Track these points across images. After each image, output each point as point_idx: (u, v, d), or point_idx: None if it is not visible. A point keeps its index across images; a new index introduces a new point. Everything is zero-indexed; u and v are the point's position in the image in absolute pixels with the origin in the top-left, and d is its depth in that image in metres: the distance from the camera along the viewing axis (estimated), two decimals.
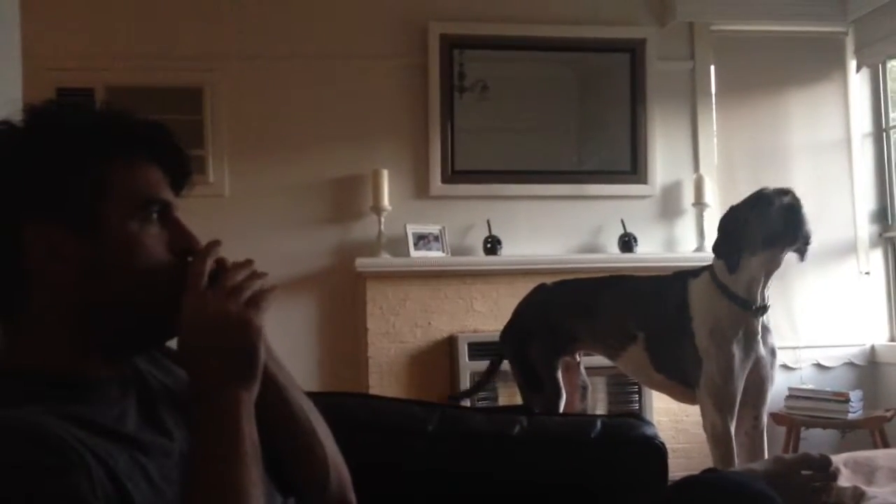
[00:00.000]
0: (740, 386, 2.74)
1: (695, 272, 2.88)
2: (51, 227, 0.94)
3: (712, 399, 2.73)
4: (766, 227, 2.70)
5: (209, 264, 0.96)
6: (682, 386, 2.89)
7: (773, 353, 2.84)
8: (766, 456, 2.82)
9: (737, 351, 2.72)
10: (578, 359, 3.24)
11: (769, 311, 2.84)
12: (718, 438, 2.75)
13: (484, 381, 3.43)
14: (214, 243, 0.99)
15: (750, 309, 2.74)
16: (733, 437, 2.76)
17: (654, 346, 2.91)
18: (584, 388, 3.24)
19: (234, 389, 0.94)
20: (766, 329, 2.81)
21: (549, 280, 3.33)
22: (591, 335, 3.07)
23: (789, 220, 2.69)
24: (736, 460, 2.80)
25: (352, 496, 1.14)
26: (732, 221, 2.79)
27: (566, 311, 3.10)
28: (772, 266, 2.75)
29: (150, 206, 0.98)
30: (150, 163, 0.99)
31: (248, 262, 0.99)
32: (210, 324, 0.94)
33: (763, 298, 2.76)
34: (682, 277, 2.91)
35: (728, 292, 2.74)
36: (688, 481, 1.30)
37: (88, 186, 0.95)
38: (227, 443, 0.92)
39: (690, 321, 2.79)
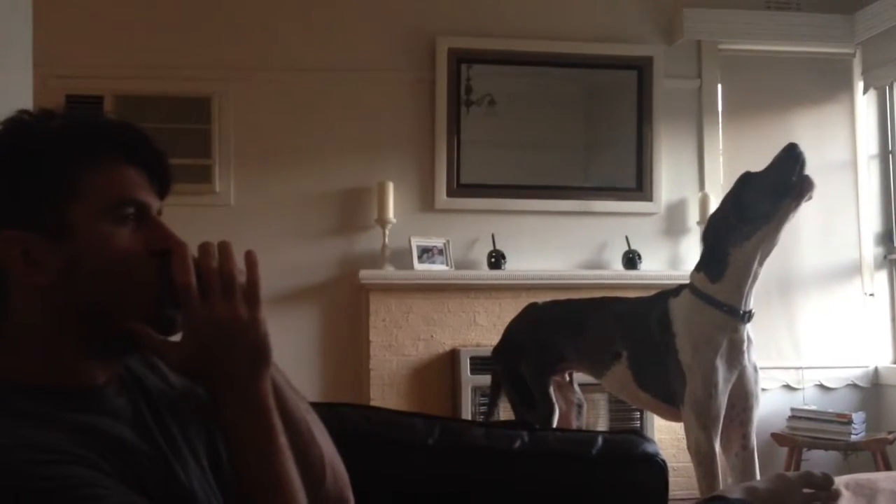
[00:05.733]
0: (724, 401, 2.70)
1: (674, 291, 2.87)
2: (24, 233, 0.93)
3: (696, 415, 2.70)
4: (767, 181, 2.62)
5: (192, 273, 0.94)
6: (666, 404, 2.88)
7: (755, 369, 2.79)
8: (758, 478, 2.78)
9: (720, 364, 2.69)
10: (568, 378, 3.24)
11: (755, 332, 2.79)
12: (702, 456, 2.71)
13: (495, 398, 3.36)
14: (184, 247, 0.96)
15: (738, 315, 2.69)
16: (717, 456, 2.72)
17: (637, 364, 2.91)
18: (580, 405, 3.24)
19: (258, 382, 0.95)
20: (749, 341, 2.76)
21: (551, 297, 3.32)
22: (578, 353, 3.08)
23: (790, 157, 2.59)
24: (724, 482, 2.77)
25: (349, 494, 1.14)
26: (717, 216, 2.76)
27: (555, 328, 3.12)
28: (768, 244, 2.67)
29: (123, 207, 0.96)
30: (126, 165, 0.98)
31: (223, 249, 0.97)
32: (218, 333, 0.94)
33: (748, 302, 2.71)
34: (662, 297, 2.91)
35: (713, 301, 2.71)
36: None
37: (57, 190, 0.94)
38: (265, 439, 0.94)
39: (674, 338, 2.78)
